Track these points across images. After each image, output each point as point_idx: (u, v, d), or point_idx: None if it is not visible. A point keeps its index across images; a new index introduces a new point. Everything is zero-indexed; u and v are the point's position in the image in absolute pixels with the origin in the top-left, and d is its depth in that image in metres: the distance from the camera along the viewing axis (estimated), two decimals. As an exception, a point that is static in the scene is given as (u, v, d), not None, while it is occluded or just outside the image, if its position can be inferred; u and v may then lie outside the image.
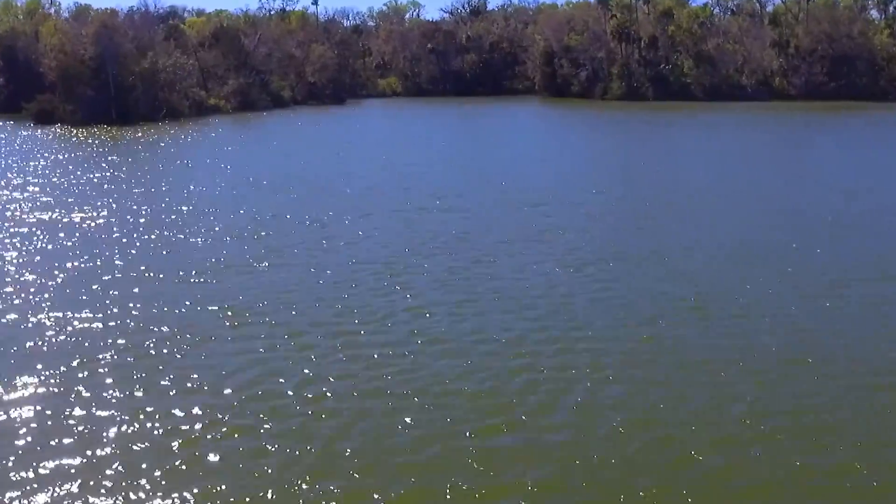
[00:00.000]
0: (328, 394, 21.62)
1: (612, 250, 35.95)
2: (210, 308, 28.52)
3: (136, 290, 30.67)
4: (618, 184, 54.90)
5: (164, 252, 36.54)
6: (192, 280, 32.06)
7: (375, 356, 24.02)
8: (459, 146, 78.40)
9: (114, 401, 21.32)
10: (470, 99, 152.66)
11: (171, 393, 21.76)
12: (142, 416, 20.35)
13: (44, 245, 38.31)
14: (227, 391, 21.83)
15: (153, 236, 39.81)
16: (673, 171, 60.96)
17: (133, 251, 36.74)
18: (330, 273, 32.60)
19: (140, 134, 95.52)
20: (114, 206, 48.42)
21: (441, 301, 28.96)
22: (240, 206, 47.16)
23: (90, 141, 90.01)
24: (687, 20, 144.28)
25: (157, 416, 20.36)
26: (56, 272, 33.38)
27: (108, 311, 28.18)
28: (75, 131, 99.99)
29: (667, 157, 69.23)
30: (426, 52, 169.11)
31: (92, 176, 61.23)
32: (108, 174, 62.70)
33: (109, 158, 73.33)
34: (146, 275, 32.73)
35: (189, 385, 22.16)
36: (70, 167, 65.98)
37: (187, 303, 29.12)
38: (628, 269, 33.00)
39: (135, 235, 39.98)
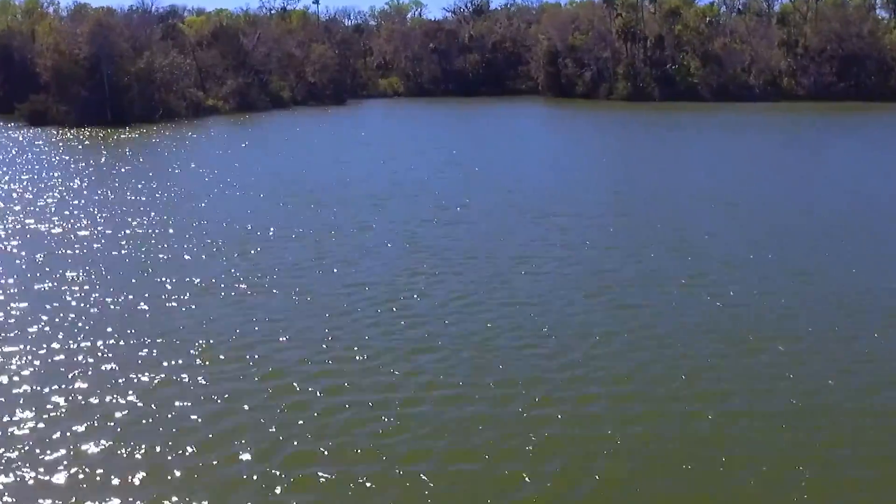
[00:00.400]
0: (306, 460, 18.00)
1: (640, 271, 32.25)
2: (181, 340, 24.89)
3: (103, 317, 27.02)
4: (632, 191, 51.17)
5: (142, 272, 32.88)
6: (167, 305, 28.41)
7: (371, 404, 20.37)
8: (463, 149, 74.75)
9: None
10: (472, 99, 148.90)
11: (120, 452, 18.13)
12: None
13: (14, 257, 34.71)
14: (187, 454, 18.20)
15: (134, 252, 36.17)
16: (690, 177, 57.28)
17: (110, 269, 33.10)
18: (322, 301, 28.92)
19: (134, 136, 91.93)
20: (96, 216, 44.83)
21: (450, 335, 25.27)
22: (230, 218, 43.52)
23: (82, 143, 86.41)
24: (694, 19, 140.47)
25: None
26: (21, 289, 29.76)
27: (75, 334, 24.55)
28: (68, 133, 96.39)
29: (680, 162, 65.57)
30: (428, 52, 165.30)
31: (76, 182, 57.63)
32: (93, 180, 59.16)
33: (98, 162, 69.79)
34: (118, 298, 29.08)
35: (143, 447, 18.52)
36: (53, 173, 62.30)
37: (158, 332, 25.50)
38: (664, 298, 29.13)
39: (114, 252, 36.35)
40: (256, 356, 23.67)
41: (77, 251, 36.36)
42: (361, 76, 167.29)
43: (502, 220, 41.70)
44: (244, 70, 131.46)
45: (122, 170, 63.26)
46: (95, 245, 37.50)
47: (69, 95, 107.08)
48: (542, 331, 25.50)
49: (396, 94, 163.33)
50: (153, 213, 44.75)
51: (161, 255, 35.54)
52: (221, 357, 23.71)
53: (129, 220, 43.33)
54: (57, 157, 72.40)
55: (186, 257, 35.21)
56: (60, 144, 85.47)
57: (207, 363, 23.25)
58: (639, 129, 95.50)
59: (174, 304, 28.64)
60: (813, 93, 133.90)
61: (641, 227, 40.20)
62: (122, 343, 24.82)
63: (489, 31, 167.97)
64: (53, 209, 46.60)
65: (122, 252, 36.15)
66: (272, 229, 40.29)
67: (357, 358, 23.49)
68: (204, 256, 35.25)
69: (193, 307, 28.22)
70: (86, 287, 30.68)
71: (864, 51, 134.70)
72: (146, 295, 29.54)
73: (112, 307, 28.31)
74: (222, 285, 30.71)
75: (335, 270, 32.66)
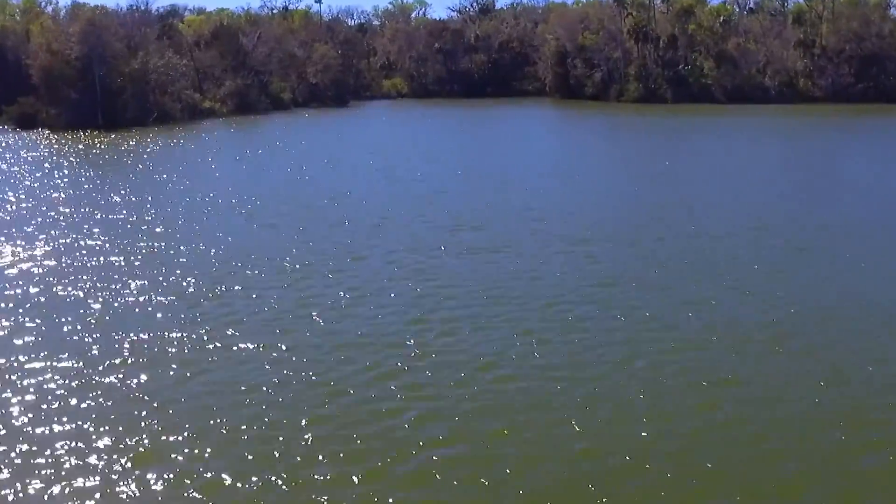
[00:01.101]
0: None
1: (703, 321, 25.82)
2: (119, 411, 18.58)
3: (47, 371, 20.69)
4: (659, 208, 44.62)
5: (95, 322, 26.50)
6: (107, 379, 22.03)
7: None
8: (473, 157, 68.34)
9: None
10: (478, 100, 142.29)
11: None
12: None
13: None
14: None
15: (97, 283, 29.78)
16: (725, 192, 50.72)
17: (74, 305, 26.76)
18: (301, 367, 22.55)
19: (125, 140, 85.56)
20: (70, 234, 38.63)
21: (472, 432, 18.89)
22: (209, 241, 37.21)
23: (69, 148, 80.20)
24: (707, 18, 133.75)
25: None
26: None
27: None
28: (56, 137, 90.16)
29: (709, 173, 58.97)
30: (433, 52, 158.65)
31: (56, 193, 51.36)
32: (75, 190, 52.93)
33: (82, 169, 63.62)
34: (70, 351, 22.74)
35: None
36: (29, 183, 55.96)
37: (98, 393, 19.20)
38: (761, 377, 22.77)
39: (82, 277, 29.99)
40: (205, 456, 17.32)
41: (13, 291, 30.02)
42: (365, 77, 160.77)
43: (525, 250, 35.20)
44: (243, 71, 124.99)
45: (98, 182, 56.91)
46: (62, 269, 31.18)
47: (59, 98, 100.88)
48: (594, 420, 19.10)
49: (400, 96, 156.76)
50: (118, 240, 38.33)
51: (114, 301, 29.14)
52: (171, 441, 17.39)
53: (105, 238, 37.05)
54: (37, 164, 66.14)
55: (143, 300, 28.81)
56: (44, 149, 79.21)
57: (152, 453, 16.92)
58: (655, 134, 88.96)
59: (121, 374, 22.29)
60: (830, 94, 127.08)
61: (681, 254, 33.75)
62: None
63: (495, 31, 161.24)
64: (31, 223, 40.32)
65: (88, 282, 29.80)
66: (253, 259, 33.89)
67: (346, 458, 17.13)
68: (165, 300, 28.82)
69: (143, 378, 21.87)
70: (48, 320, 24.38)
71: (884, 51, 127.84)
72: (97, 340, 23.19)
73: (53, 357, 21.95)
74: (174, 349, 24.26)
75: (321, 322, 26.24)
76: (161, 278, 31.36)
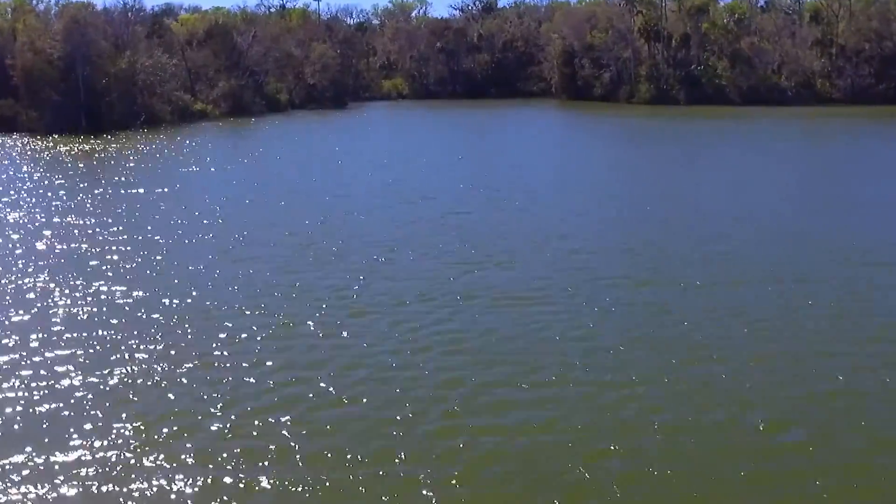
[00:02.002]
0: None
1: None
2: None
3: None
4: (715, 227, 36.87)
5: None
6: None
7: None
8: (485, 166, 60.46)
9: None
10: (482, 102, 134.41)
11: None
12: None
13: None
14: None
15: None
16: (760, 206, 43.02)
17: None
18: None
19: (107, 146, 77.81)
20: (25, 259, 30.90)
21: None
22: (180, 270, 29.46)
23: (42, 154, 72.37)
24: (721, 16, 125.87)
25: None
26: None
27: None
28: (34, 141, 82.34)
29: (737, 184, 51.19)
30: (435, 52, 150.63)
31: (25, 206, 43.59)
32: (46, 204, 45.16)
33: (54, 178, 55.85)
34: None
35: None
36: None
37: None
38: None
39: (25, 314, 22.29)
40: None
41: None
42: (364, 77, 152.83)
43: (573, 300, 27.36)
44: (238, 71, 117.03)
45: (62, 196, 49.03)
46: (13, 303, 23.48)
47: (40, 99, 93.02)
48: None
49: (401, 97, 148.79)
50: (51, 283, 30.55)
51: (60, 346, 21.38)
52: None
53: (62, 272, 29.27)
54: (14, 172, 58.36)
55: (89, 351, 21.09)
56: (16, 156, 71.38)
57: None
58: (676, 139, 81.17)
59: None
60: (850, 95, 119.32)
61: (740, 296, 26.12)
62: None
63: (499, 30, 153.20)
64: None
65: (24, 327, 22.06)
66: (215, 312, 26.15)
67: None
68: (135, 340, 21.10)
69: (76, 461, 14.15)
70: None
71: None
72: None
73: None
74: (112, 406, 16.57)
75: (302, 434, 18.51)
76: (107, 329, 23.68)
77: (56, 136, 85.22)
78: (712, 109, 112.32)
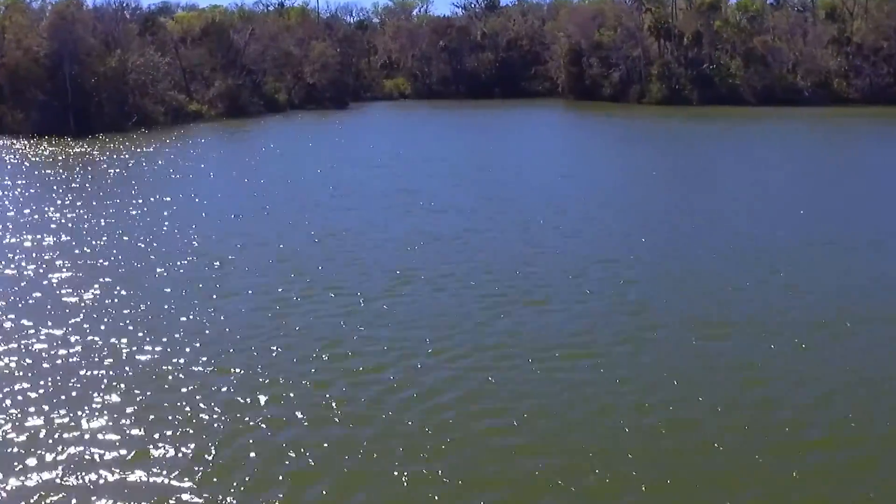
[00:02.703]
0: None
1: None
2: None
3: None
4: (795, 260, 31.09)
5: None
6: None
7: None
8: (499, 173, 54.64)
9: None
10: (486, 102, 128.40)
11: None
12: None
13: None
14: None
15: None
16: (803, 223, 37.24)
17: None
18: None
19: (93, 148, 71.98)
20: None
21: None
22: (142, 309, 23.61)
23: (28, 157, 66.48)
24: (734, 14, 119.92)
25: None
26: None
27: None
28: (17, 144, 76.39)
29: (774, 194, 45.43)
30: (437, 51, 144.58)
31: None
32: (19, 217, 39.36)
33: (28, 185, 49.92)
34: None
35: None
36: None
37: None
38: None
39: None
40: None
41: None
42: (365, 77, 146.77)
43: (635, 353, 21.62)
44: (234, 70, 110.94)
45: (32, 206, 43.14)
46: None
47: (25, 100, 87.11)
48: None
49: (403, 96, 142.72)
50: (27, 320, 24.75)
51: None
52: None
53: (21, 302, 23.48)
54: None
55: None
56: (4, 158, 65.59)
57: None
58: (698, 141, 75.33)
59: None
60: (868, 95, 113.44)
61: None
62: None
63: (503, 28, 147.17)
64: None
65: None
66: (180, 374, 20.36)
67: None
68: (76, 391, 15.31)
69: None
70: None
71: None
72: None
73: None
74: None
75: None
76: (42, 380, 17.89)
77: (42, 139, 79.34)
78: (727, 110, 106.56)
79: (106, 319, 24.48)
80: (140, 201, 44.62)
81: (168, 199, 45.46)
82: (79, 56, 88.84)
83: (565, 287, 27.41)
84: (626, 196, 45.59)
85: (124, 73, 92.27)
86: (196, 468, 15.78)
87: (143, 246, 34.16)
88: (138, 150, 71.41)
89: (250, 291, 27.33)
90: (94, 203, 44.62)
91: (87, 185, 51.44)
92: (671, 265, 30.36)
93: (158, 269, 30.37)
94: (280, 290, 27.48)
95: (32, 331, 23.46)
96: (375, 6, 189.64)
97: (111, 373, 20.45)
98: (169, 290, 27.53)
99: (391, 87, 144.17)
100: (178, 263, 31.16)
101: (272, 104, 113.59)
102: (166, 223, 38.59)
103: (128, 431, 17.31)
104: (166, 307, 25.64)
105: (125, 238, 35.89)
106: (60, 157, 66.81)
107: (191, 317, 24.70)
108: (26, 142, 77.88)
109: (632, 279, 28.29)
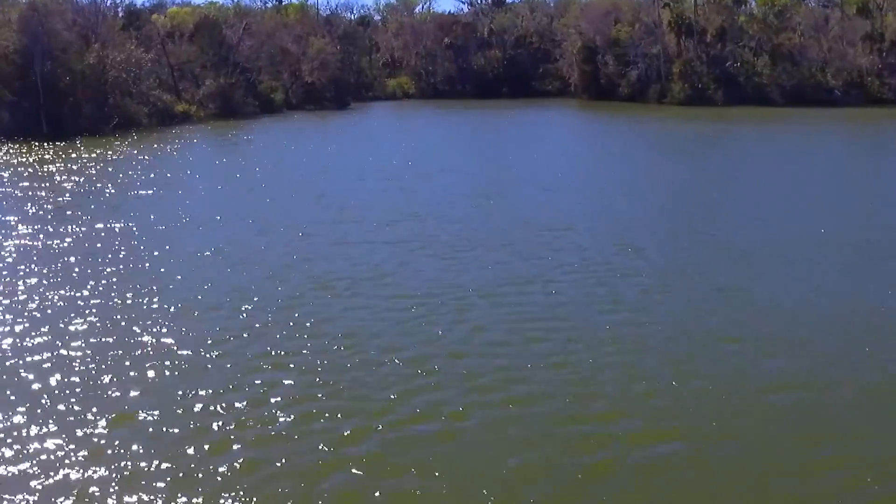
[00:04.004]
0: None
1: None
2: None
3: None
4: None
5: None
6: None
7: None
8: (520, 188, 44.29)
9: None
10: (495, 102, 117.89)
11: None
12: None
13: None
14: None
15: None
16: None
17: None
18: None
19: (63, 155, 61.51)
20: None
21: None
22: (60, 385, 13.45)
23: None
24: (761, 8, 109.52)
25: None
26: None
27: None
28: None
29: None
30: (442, 48, 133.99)
31: None
32: None
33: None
34: None
35: None
36: None
37: None
38: None
39: None
40: None
41: None
42: (367, 75, 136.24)
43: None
44: (227, 68, 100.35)
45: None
46: None
47: (-8, 100, 76.78)
48: None
49: (406, 96, 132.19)
50: None
51: None
52: None
53: None
54: None
55: None
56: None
57: None
58: (736, 146, 64.94)
59: None
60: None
61: None
62: None
63: (511, 25, 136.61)
64: None
65: None
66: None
67: None
68: None
69: None
70: None
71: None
72: None
73: None
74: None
75: None
76: None
77: (8, 143, 68.91)
78: (755, 111, 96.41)
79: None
80: (80, 227, 34.22)
81: (119, 225, 35.01)
82: (53, 52, 78.52)
83: (656, 372, 17.18)
84: (671, 217, 35.28)
85: (104, 70, 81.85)
86: None
87: (104, 276, 23.86)
88: (113, 155, 61.10)
89: (225, 346, 17.07)
90: (36, 225, 34.26)
91: (36, 201, 41.05)
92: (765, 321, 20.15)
93: (117, 302, 20.05)
94: (266, 344, 17.22)
95: None
96: (377, 2, 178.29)
97: None
98: (127, 338, 17.26)
99: (394, 87, 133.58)
100: (142, 302, 20.88)
101: (268, 104, 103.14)
102: (104, 260, 28.25)
103: None
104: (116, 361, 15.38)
105: (90, 269, 25.64)
106: (21, 164, 56.38)
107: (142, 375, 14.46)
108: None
109: (738, 351, 18.07)
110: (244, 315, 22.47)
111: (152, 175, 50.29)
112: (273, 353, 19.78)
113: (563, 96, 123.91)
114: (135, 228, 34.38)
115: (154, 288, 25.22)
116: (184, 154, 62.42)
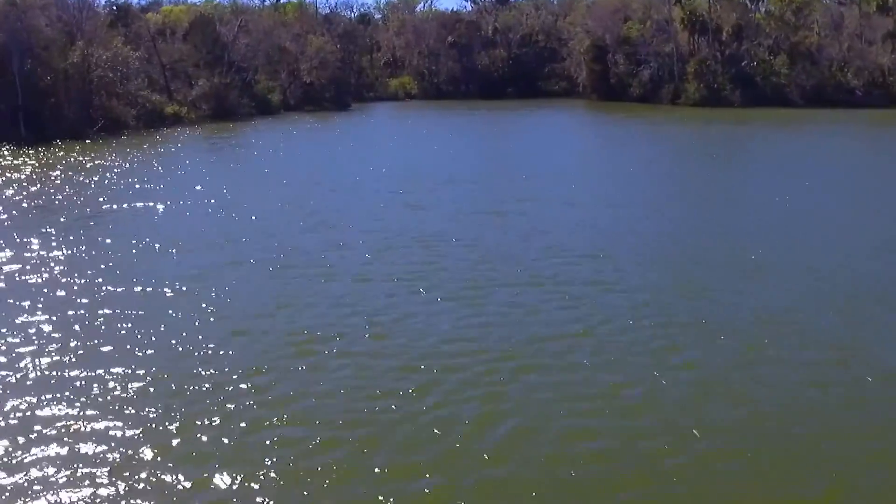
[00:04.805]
0: None
1: None
2: None
3: None
4: None
5: None
6: None
7: None
8: (540, 201, 38.09)
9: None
10: (500, 103, 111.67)
11: None
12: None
13: None
14: None
15: None
16: None
17: None
18: None
19: (36, 162, 55.39)
20: None
21: None
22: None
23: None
24: (778, 6, 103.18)
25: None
26: None
27: None
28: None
29: None
30: (445, 47, 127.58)
31: None
32: None
33: None
34: None
35: None
36: None
37: None
38: None
39: None
40: None
41: None
42: (368, 75, 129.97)
43: None
44: (221, 67, 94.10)
45: None
46: None
47: (-33, 101, 70.56)
48: None
49: (409, 97, 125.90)
50: None
51: None
52: None
53: None
54: None
55: None
56: None
57: None
58: (764, 154, 58.72)
59: None
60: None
61: None
62: None
63: (517, 23, 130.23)
64: None
65: None
66: None
67: None
68: None
69: None
70: None
71: None
72: None
73: None
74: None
75: None
76: None
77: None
78: (777, 113, 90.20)
79: None
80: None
81: (68, 251, 28.84)
82: (34, 49, 72.34)
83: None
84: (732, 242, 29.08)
85: (88, 69, 75.66)
86: None
87: (67, 312, 17.76)
88: (89, 162, 54.95)
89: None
90: (8, 252, 28.15)
91: (13, 213, 34.89)
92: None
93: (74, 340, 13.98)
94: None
95: None
96: (377, 1, 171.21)
97: None
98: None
99: (396, 87, 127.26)
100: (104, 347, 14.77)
101: (264, 105, 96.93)
102: (50, 289, 22.11)
103: None
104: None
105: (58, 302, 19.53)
106: (9, 173, 50.27)
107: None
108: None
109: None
110: (183, 409, 16.24)
111: (123, 186, 44.11)
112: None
113: (571, 97, 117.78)
114: (85, 255, 28.21)
115: (95, 342, 19.10)
116: (166, 161, 56.18)
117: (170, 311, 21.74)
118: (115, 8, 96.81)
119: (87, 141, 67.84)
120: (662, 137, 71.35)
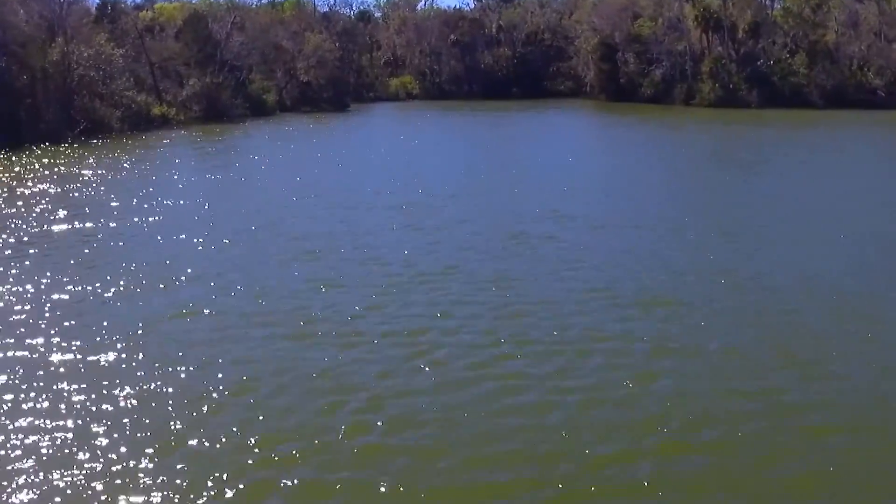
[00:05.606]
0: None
1: None
2: None
3: None
4: None
5: None
6: None
7: None
8: (551, 224, 32.17)
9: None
10: (505, 104, 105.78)
11: None
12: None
13: None
14: None
15: None
16: None
17: None
18: None
19: (9, 168, 49.54)
20: None
21: None
22: None
23: None
24: (796, 3, 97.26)
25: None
26: None
27: None
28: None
29: None
30: (448, 46, 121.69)
31: None
32: None
33: None
34: None
35: None
36: None
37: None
38: None
39: None
40: None
41: None
42: (367, 75, 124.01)
43: None
44: (213, 66, 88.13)
45: None
46: None
47: (-62, 103, 64.69)
48: None
49: (410, 97, 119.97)
50: None
51: None
52: None
53: None
54: None
55: None
56: None
57: None
58: (793, 163, 52.80)
59: None
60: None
61: None
62: None
63: (521, 21, 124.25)
64: None
65: None
66: None
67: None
68: None
69: None
70: None
71: None
72: None
73: None
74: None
75: None
76: None
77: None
78: (795, 114, 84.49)
79: None
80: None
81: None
82: (10, 47, 66.59)
83: None
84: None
85: (69, 68, 69.80)
86: None
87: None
88: (65, 169, 49.06)
89: None
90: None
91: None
92: None
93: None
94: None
95: None
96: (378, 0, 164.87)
97: None
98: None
99: (397, 87, 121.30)
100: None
101: (259, 106, 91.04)
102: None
103: None
104: None
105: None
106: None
107: None
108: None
109: None
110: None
111: (85, 198, 38.19)
112: None
113: (577, 96, 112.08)
114: (25, 288, 22.33)
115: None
116: (142, 169, 50.24)
117: (99, 382, 15.84)
118: (102, 4, 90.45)
119: (63, 145, 61.94)
120: (687, 142, 65.39)
